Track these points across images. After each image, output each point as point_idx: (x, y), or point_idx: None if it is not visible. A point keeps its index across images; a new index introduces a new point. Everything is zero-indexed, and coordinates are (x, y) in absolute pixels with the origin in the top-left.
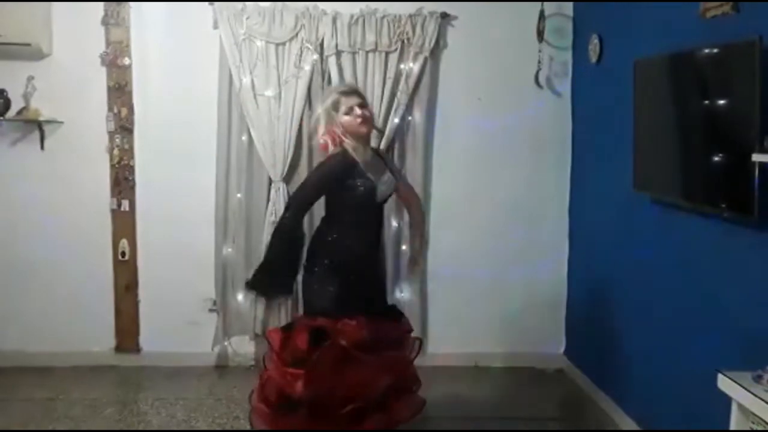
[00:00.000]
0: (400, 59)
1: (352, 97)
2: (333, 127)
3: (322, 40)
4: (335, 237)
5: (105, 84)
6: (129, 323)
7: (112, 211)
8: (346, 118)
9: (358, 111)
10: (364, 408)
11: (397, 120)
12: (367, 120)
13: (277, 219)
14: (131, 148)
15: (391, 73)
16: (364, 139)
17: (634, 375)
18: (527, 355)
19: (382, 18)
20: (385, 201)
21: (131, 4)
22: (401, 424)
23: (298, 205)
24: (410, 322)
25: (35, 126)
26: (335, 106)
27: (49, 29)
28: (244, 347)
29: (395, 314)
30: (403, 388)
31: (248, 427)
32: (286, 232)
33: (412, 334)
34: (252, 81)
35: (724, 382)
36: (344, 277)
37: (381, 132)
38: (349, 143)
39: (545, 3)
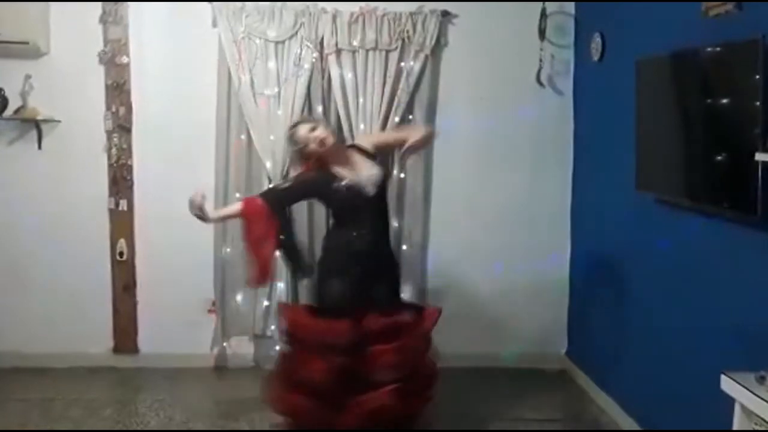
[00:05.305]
0: (401, 58)
1: (301, 127)
2: (303, 161)
3: (322, 39)
4: (338, 237)
5: (103, 83)
6: (127, 324)
7: (110, 210)
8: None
9: (313, 135)
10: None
11: (397, 119)
12: (323, 140)
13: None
14: (129, 148)
15: (391, 72)
16: (333, 156)
17: (637, 376)
18: (529, 355)
19: (383, 16)
20: (380, 194)
21: (129, 2)
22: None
23: (271, 199)
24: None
25: (33, 125)
26: (293, 141)
27: (47, 27)
28: (243, 348)
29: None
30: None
31: (246, 427)
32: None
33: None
34: (251, 80)
35: (727, 384)
36: (349, 274)
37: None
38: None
39: (547, 1)
